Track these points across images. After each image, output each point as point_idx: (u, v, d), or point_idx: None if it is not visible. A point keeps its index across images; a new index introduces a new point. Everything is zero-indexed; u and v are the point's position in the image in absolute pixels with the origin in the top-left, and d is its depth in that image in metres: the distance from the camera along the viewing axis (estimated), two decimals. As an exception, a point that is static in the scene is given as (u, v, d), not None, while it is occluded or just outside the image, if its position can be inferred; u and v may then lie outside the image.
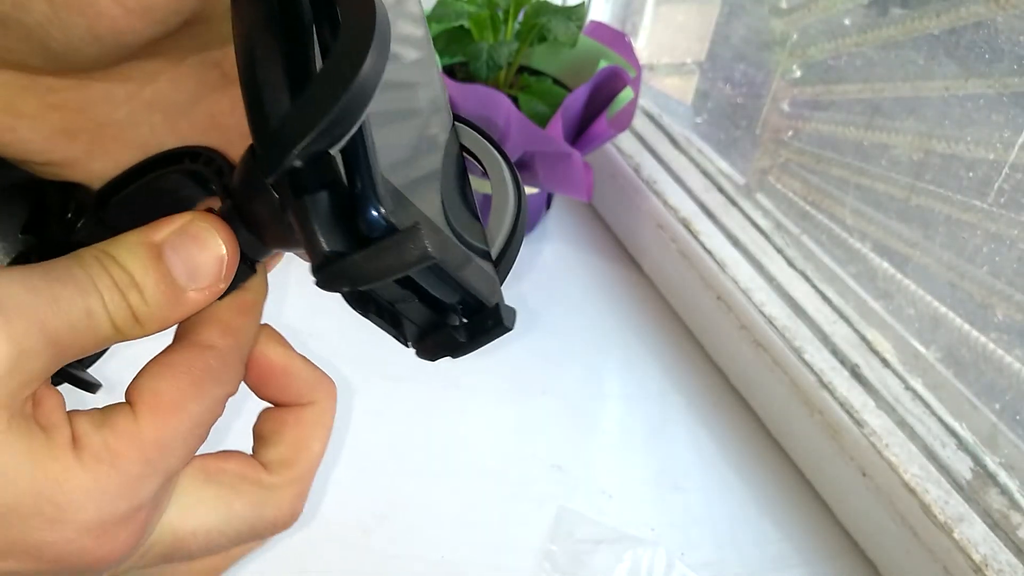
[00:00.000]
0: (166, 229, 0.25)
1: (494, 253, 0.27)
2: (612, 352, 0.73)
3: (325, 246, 0.21)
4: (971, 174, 0.61)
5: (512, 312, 0.25)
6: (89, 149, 0.26)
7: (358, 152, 0.21)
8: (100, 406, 0.26)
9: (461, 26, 0.74)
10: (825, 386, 0.62)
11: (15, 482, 0.22)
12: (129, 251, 0.24)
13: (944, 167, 0.64)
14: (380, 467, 0.59)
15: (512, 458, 0.62)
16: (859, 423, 0.60)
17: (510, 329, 0.25)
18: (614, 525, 0.57)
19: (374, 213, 0.21)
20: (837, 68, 0.73)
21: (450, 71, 0.76)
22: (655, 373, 0.71)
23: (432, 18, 0.73)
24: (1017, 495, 0.56)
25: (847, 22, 0.71)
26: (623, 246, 0.84)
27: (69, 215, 0.27)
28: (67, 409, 0.25)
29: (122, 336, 0.25)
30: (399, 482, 0.59)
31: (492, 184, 0.28)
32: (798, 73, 0.77)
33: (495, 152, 0.28)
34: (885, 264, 0.68)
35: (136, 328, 0.25)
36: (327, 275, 0.22)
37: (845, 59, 0.72)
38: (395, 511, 0.57)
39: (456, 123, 0.29)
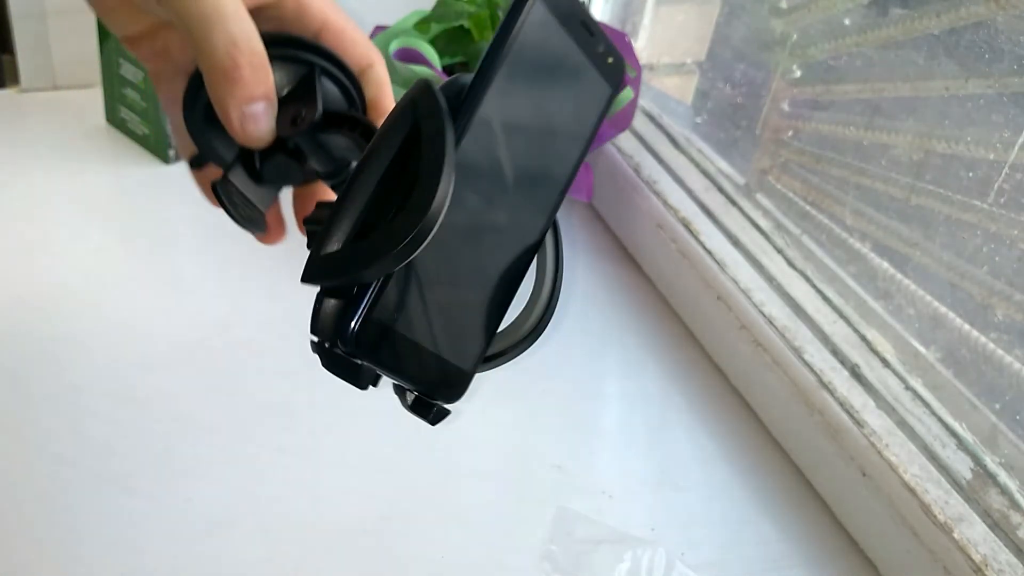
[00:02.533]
0: None
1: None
2: (612, 352, 0.73)
3: (311, 331, 0.30)
4: (971, 174, 0.61)
5: (436, 414, 0.33)
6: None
7: (367, 289, 0.30)
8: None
9: (461, 26, 0.74)
10: (825, 386, 0.63)
11: None
12: None
13: (944, 167, 0.64)
14: (380, 467, 0.59)
15: (512, 458, 0.62)
16: (859, 423, 0.60)
17: (430, 423, 0.34)
18: (614, 525, 0.57)
19: (347, 336, 0.30)
20: (837, 68, 0.73)
21: (450, 71, 0.76)
22: (655, 373, 0.71)
23: (432, 18, 0.73)
24: (1017, 495, 0.56)
25: (847, 22, 0.71)
26: (623, 246, 0.84)
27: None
28: None
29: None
30: (399, 482, 0.59)
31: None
32: (798, 73, 0.77)
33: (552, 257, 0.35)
34: (885, 264, 0.68)
35: None
36: (313, 344, 0.31)
37: (845, 59, 0.72)
38: (395, 511, 0.57)
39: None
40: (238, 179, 0.36)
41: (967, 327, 0.62)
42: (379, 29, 0.76)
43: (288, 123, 0.35)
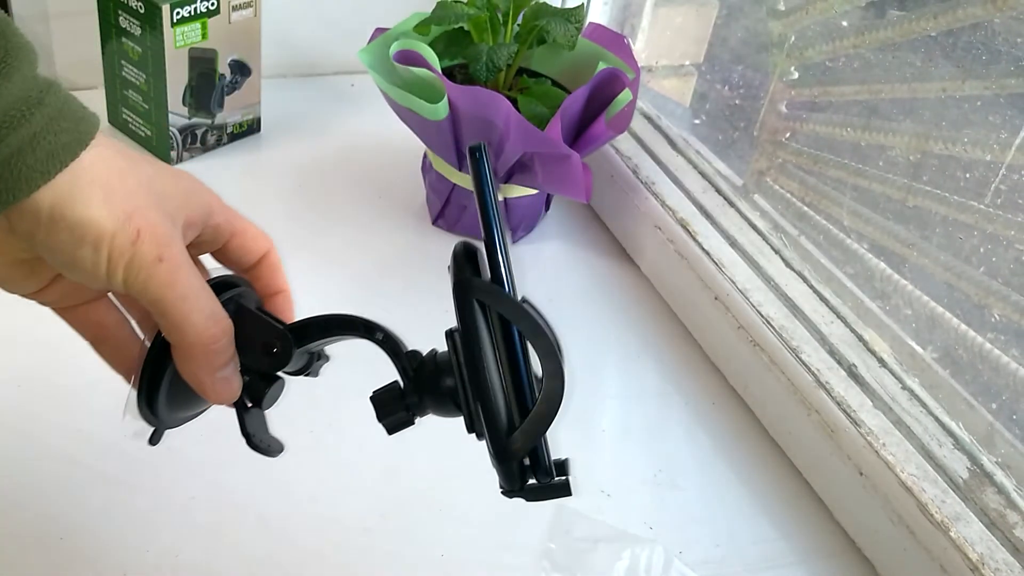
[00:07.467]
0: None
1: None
2: (610, 352, 0.73)
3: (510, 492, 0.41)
4: (968, 175, 0.62)
5: (512, 479, 0.41)
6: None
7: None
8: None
9: (461, 28, 0.74)
10: (822, 386, 0.63)
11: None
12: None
13: (941, 168, 0.64)
14: (380, 466, 0.60)
15: (511, 457, 0.62)
16: (856, 422, 0.60)
17: (508, 494, 0.41)
18: (612, 523, 0.57)
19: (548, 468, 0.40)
20: (834, 70, 0.73)
21: (450, 73, 0.76)
22: (653, 373, 0.71)
23: (432, 20, 0.73)
24: (1013, 494, 0.56)
25: (844, 24, 0.72)
26: (621, 247, 0.84)
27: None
28: None
29: None
30: (399, 482, 0.59)
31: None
32: (796, 75, 0.77)
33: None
34: (882, 264, 0.68)
35: None
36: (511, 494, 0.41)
37: (842, 61, 0.72)
38: (395, 510, 0.57)
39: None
40: (257, 426, 0.43)
41: (964, 327, 0.62)
42: (379, 31, 0.76)
43: (265, 357, 0.40)
